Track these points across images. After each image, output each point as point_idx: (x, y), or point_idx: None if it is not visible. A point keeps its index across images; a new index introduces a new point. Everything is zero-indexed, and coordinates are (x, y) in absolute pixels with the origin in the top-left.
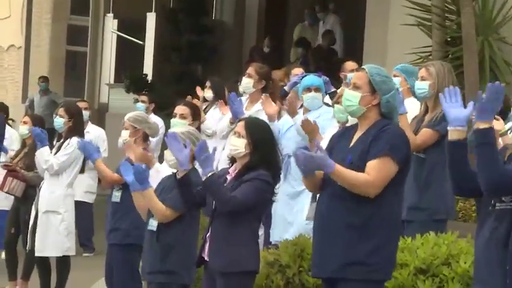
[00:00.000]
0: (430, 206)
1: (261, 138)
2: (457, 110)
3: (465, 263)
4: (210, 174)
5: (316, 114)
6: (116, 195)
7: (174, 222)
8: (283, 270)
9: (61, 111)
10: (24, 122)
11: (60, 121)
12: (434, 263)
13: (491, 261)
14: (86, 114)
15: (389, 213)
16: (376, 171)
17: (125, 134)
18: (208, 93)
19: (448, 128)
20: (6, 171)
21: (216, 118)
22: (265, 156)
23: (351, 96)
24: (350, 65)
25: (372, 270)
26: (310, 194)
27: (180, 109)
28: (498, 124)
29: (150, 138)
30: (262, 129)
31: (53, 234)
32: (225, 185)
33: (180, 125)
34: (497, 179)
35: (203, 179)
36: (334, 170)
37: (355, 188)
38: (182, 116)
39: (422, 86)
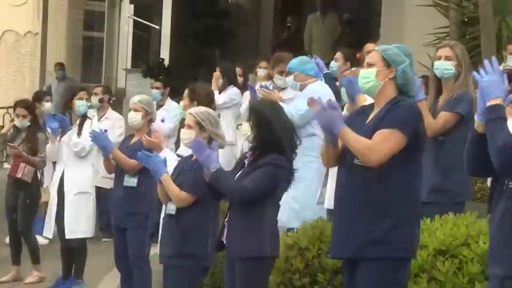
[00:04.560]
0: (452, 188)
1: (260, 121)
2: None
3: (484, 243)
4: (214, 170)
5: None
6: (132, 180)
7: (192, 206)
8: (302, 253)
9: (84, 94)
10: (24, 116)
11: (84, 104)
12: (453, 244)
13: (504, 241)
14: (94, 99)
15: (408, 192)
16: (380, 140)
17: (136, 116)
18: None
19: (476, 118)
20: (15, 156)
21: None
22: (267, 138)
23: (366, 74)
24: (370, 46)
25: (392, 248)
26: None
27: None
28: None
29: (167, 123)
30: (262, 111)
31: (85, 215)
32: (241, 170)
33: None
34: (505, 153)
35: (208, 176)
36: (342, 129)
37: (359, 152)
38: (185, 108)
39: (447, 66)
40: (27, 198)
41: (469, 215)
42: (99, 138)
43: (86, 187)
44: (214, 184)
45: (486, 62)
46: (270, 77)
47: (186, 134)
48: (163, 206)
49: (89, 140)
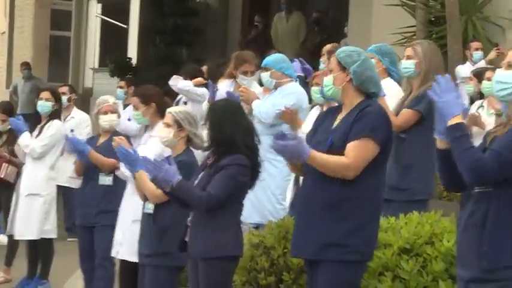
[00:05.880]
0: (410, 187)
1: (211, 121)
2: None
3: (448, 241)
4: (175, 183)
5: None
6: (107, 179)
7: (169, 204)
8: (268, 252)
9: (47, 94)
10: (3, 120)
11: (47, 104)
12: (417, 243)
13: (470, 244)
14: (64, 98)
15: (370, 195)
16: (355, 153)
17: (113, 117)
18: None
19: (436, 136)
20: None
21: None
22: (219, 137)
23: (327, 81)
24: (328, 47)
25: (350, 251)
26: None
27: (131, 100)
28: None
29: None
30: (214, 111)
31: (34, 217)
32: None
33: (137, 116)
34: (476, 169)
35: (169, 190)
36: (310, 157)
37: (334, 172)
38: (135, 107)
39: (408, 64)
40: (7, 200)
41: (434, 213)
42: (76, 144)
43: (38, 189)
44: (179, 195)
45: (440, 78)
46: (232, 77)
47: (165, 133)
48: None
49: (42, 142)
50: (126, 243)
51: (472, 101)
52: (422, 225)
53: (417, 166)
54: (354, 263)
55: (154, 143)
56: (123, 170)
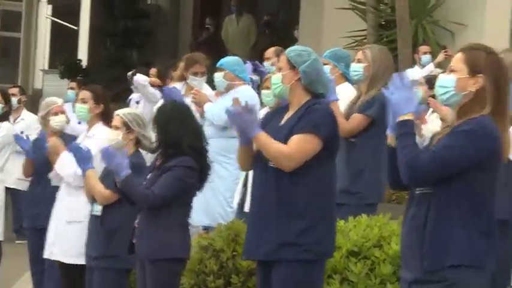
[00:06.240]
0: (361, 191)
1: (157, 122)
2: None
3: (396, 244)
4: (124, 177)
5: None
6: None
7: (117, 206)
8: (217, 255)
9: None
10: None
11: None
12: (366, 245)
13: (412, 245)
14: (14, 100)
15: (320, 193)
16: (295, 145)
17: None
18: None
19: (388, 132)
20: None
21: None
22: (164, 139)
23: (275, 80)
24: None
25: (304, 250)
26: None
27: (81, 94)
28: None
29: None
30: (161, 113)
31: None
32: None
33: (82, 109)
34: (411, 167)
35: (119, 183)
36: (257, 134)
37: (274, 157)
38: (83, 101)
39: (357, 68)
40: None
41: (382, 216)
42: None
43: None
44: (125, 191)
45: (395, 76)
46: (183, 79)
47: (113, 135)
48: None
49: None
50: (59, 244)
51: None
52: (371, 228)
53: (368, 170)
54: (308, 262)
55: (91, 143)
56: (60, 172)
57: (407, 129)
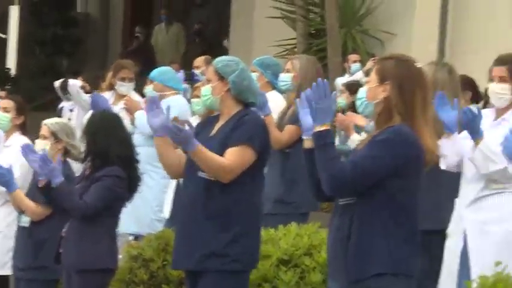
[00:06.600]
0: (296, 200)
1: (89, 133)
2: (308, 118)
3: (326, 253)
4: (57, 185)
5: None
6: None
7: (46, 218)
8: (147, 265)
9: None
10: None
11: None
12: (296, 254)
13: (337, 256)
14: None
15: (249, 203)
16: (233, 157)
17: None
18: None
19: (303, 136)
20: None
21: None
22: (92, 149)
23: (205, 91)
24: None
25: (230, 261)
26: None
27: (3, 103)
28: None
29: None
30: (89, 122)
31: None
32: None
33: (5, 118)
34: (333, 179)
35: (51, 190)
36: (196, 149)
37: (212, 170)
38: (5, 110)
39: (285, 78)
40: None
41: (312, 225)
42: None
43: None
44: (57, 199)
45: (314, 86)
46: (112, 87)
47: (41, 145)
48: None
49: None
50: None
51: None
52: (301, 236)
53: (303, 180)
54: (236, 273)
55: (9, 153)
56: None
57: (327, 140)
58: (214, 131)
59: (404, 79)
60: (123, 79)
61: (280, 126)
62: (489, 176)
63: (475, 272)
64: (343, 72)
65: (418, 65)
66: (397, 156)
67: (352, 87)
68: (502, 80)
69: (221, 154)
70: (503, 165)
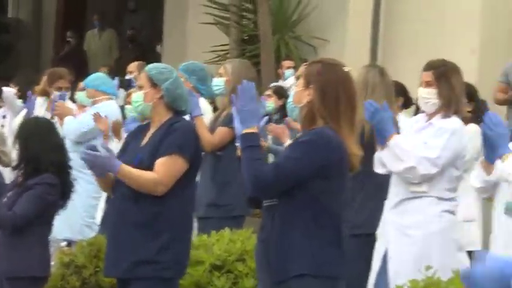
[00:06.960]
0: (228, 203)
1: (21, 139)
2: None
3: None
4: None
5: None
6: None
7: None
8: (79, 271)
9: None
10: None
11: None
12: (229, 259)
13: (262, 259)
14: None
15: (179, 211)
16: (164, 169)
17: None
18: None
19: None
20: None
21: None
22: (24, 155)
23: (136, 97)
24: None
25: (160, 268)
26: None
27: None
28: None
29: None
30: (21, 128)
31: None
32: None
33: None
34: (255, 180)
35: None
36: (119, 170)
37: (143, 187)
38: None
39: (218, 82)
40: None
41: (245, 230)
42: None
43: None
44: None
45: (245, 84)
46: (45, 94)
47: None
48: None
49: None
50: None
51: (270, 119)
52: (234, 242)
53: (235, 182)
54: (167, 280)
55: None
56: None
57: (252, 143)
58: (145, 141)
59: (327, 83)
60: (59, 89)
61: (212, 130)
62: (401, 175)
63: (392, 277)
64: (276, 78)
65: (347, 69)
66: (319, 158)
67: (280, 91)
68: (428, 84)
69: (151, 164)
70: (410, 164)
